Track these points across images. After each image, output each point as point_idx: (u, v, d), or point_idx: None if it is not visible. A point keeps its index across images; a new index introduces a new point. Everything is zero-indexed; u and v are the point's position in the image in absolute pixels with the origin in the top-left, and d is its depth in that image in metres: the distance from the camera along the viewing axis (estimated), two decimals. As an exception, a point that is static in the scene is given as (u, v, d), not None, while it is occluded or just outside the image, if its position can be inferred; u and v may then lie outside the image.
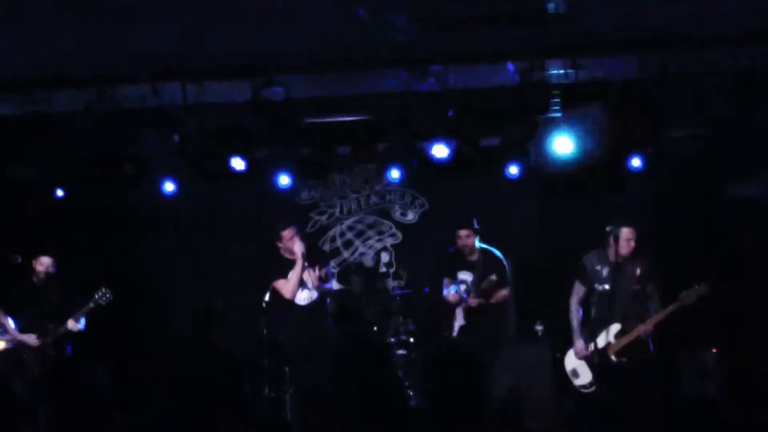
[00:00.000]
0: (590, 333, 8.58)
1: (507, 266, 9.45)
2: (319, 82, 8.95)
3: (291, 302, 9.18)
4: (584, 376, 8.71)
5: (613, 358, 8.50)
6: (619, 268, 8.48)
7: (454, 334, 9.45)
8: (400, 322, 10.81)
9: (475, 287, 9.32)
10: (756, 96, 7.91)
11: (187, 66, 8.39)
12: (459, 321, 9.47)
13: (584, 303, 8.73)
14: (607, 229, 8.45)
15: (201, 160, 10.45)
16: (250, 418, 7.73)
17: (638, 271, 8.53)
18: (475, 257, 9.41)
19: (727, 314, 9.95)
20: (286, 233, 9.14)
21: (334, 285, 10.95)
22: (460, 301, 9.41)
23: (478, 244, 9.43)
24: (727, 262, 10.15)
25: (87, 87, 8.58)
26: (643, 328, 8.43)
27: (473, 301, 9.26)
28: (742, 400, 8.80)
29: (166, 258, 11.97)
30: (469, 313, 9.35)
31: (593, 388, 8.60)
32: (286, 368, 10.10)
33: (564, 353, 8.95)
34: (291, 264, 9.15)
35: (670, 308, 8.42)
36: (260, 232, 11.90)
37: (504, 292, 9.37)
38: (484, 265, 9.34)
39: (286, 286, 9.18)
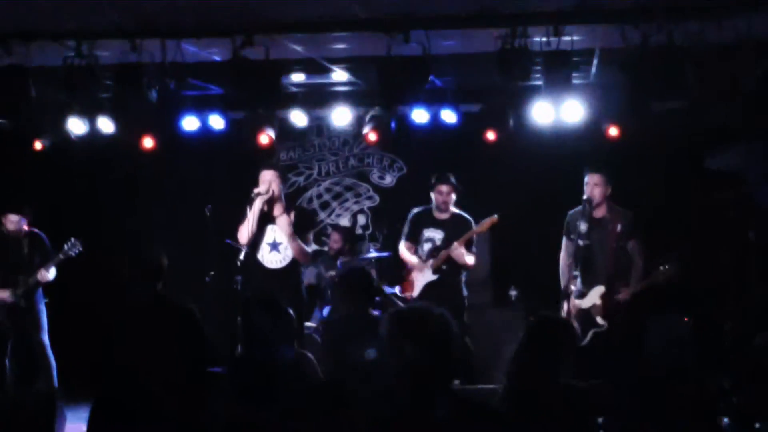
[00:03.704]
0: (576, 291, 8.63)
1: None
2: (299, 43, 8.91)
3: (258, 263, 8.91)
4: None
5: (598, 320, 8.53)
6: (598, 223, 8.62)
7: (415, 294, 9.51)
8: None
9: (448, 244, 9.33)
10: (737, 68, 7.92)
11: (166, 23, 8.30)
12: (424, 279, 9.48)
13: (575, 259, 8.76)
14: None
15: (179, 118, 10.38)
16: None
17: (618, 227, 8.62)
18: (445, 216, 9.46)
19: (703, 284, 10.04)
20: (263, 174, 8.87)
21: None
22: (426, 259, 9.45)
23: (452, 207, 9.48)
24: (704, 234, 10.21)
25: (65, 41, 8.49)
26: (620, 297, 8.50)
27: (456, 248, 9.24)
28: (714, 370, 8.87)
29: (142, 215, 11.96)
30: (439, 269, 9.40)
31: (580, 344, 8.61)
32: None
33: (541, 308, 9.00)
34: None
35: (644, 283, 8.49)
36: (238, 190, 11.93)
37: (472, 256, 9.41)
38: (453, 224, 9.41)
39: (242, 230, 8.86)
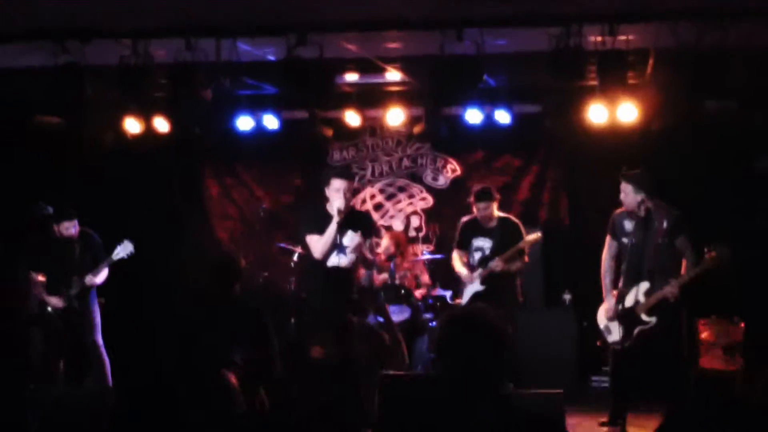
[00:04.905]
0: (620, 291, 8.52)
1: (524, 233, 9.40)
2: (353, 43, 8.91)
3: (320, 263, 8.38)
4: (615, 333, 8.60)
5: (643, 317, 8.42)
6: (645, 221, 8.47)
7: (464, 301, 9.52)
8: (428, 287, 10.82)
9: (496, 252, 9.31)
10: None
11: (221, 22, 8.36)
12: (472, 289, 9.47)
13: (618, 259, 8.66)
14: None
15: (233, 117, 10.44)
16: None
17: (665, 224, 8.46)
18: (493, 224, 9.43)
19: (751, 288, 9.92)
20: (334, 182, 8.26)
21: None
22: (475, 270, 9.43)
23: (496, 212, 9.42)
24: (753, 237, 10.09)
25: (120, 40, 8.56)
26: (669, 290, 8.35)
27: (497, 265, 9.24)
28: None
29: (197, 214, 12.06)
30: (486, 279, 9.35)
31: (622, 346, 8.51)
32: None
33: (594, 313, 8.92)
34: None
35: (696, 270, 8.35)
36: (295, 191, 12.01)
37: (521, 262, 9.41)
38: (502, 231, 9.36)
39: (317, 243, 8.31)
